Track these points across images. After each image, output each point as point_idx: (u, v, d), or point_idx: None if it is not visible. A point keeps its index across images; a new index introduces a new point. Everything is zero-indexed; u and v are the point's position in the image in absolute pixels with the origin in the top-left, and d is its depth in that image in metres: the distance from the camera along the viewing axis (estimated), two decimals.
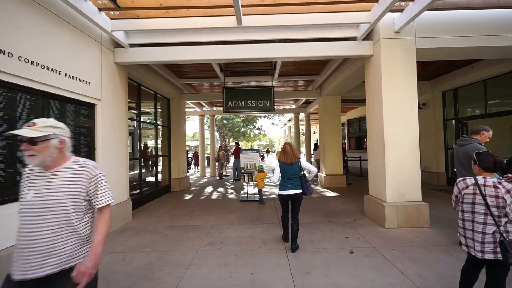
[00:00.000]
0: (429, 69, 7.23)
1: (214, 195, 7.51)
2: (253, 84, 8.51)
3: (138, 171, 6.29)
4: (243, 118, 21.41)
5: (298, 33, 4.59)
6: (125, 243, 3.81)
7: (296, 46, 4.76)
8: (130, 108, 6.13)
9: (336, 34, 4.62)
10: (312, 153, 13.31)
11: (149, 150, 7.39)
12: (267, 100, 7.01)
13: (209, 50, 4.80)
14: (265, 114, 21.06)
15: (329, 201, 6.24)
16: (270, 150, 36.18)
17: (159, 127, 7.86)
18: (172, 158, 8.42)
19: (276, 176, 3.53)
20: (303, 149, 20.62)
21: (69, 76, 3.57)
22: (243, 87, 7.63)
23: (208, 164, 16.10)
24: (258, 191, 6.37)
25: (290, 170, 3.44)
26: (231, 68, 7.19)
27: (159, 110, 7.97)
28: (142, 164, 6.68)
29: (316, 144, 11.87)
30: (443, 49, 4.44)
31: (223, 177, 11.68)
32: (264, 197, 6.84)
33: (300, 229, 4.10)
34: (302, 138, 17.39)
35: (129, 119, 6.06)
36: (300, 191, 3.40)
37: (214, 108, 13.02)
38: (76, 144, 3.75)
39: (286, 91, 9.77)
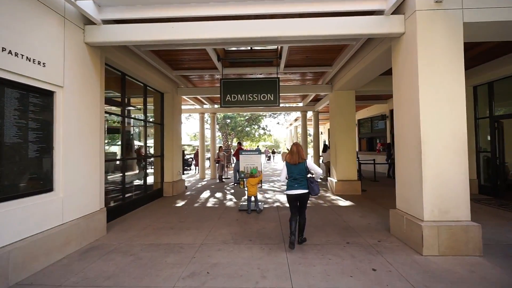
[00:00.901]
0: None
1: (210, 202, 6.61)
2: (256, 76, 7.59)
3: (121, 173, 5.44)
4: (247, 117, 20.47)
5: (309, 5, 3.65)
6: (83, 271, 2.94)
7: (306, 22, 3.81)
8: (112, 101, 5.31)
9: (357, 6, 3.67)
10: (320, 154, 12.30)
11: (137, 150, 6.55)
12: (271, 94, 6.03)
13: (198, 28, 3.89)
14: (270, 113, 20.09)
15: (343, 213, 5.26)
16: (275, 150, 35.23)
17: (150, 124, 7.00)
18: (165, 159, 7.56)
19: (283, 175, 3.69)
20: (310, 151, 19.63)
21: (10, 52, 2.72)
22: (244, 79, 6.66)
23: (209, 166, 15.25)
24: (254, 198, 5.46)
25: (295, 170, 3.52)
26: (231, 57, 6.29)
27: (151, 106, 7.12)
28: (128, 166, 5.83)
29: (325, 145, 10.85)
30: (498, 24, 3.43)
31: (223, 180, 10.79)
32: (264, 205, 5.92)
33: (312, 254, 3.25)
34: (309, 139, 16.40)
35: (111, 114, 5.25)
36: (306, 191, 3.47)
37: (215, 106, 12.14)
38: (21, 141, 2.90)
39: (293, 86, 8.80)
